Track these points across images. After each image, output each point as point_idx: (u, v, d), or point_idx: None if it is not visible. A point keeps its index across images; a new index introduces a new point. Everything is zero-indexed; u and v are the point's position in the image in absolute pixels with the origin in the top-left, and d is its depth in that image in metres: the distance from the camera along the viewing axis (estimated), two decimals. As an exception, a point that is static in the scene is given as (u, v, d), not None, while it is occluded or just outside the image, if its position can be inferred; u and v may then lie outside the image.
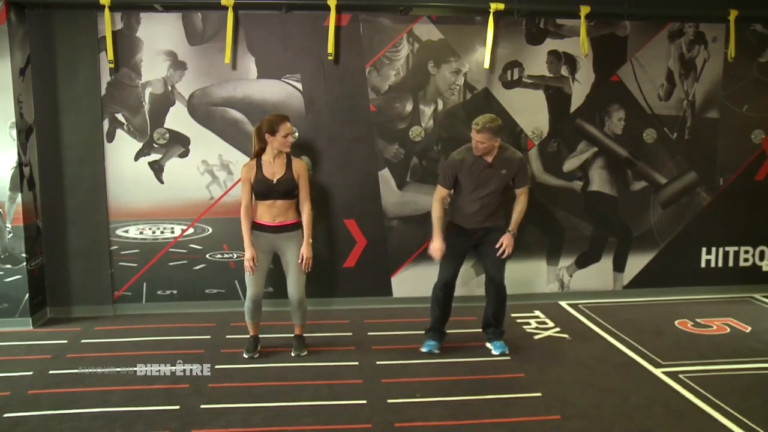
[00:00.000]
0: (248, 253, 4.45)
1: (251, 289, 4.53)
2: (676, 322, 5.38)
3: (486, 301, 4.80)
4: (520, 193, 4.67)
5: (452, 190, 4.65)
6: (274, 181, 4.43)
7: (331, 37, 5.37)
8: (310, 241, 4.56)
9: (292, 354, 4.64)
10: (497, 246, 4.58)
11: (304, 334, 4.75)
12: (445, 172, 4.65)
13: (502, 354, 4.66)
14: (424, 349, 4.67)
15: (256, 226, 4.52)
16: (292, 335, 4.73)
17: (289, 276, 4.56)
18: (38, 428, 3.60)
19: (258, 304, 4.57)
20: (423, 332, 4.81)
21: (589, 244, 6.01)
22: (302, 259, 4.50)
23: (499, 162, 4.53)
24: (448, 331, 4.84)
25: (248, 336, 4.70)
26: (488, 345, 4.77)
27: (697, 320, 5.42)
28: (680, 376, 4.26)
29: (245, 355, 4.61)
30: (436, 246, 4.57)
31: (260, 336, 4.73)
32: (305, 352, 4.67)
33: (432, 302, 4.74)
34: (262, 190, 4.44)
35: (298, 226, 4.56)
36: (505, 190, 4.65)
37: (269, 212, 4.48)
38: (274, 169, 4.46)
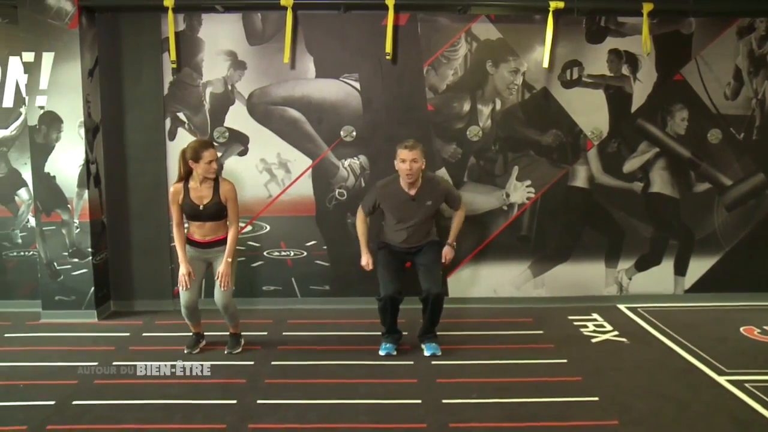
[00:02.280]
0: (183, 269, 4.46)
1: (184, 297, 4.52)
2: (741, 329, 5.21)
3: (423, 310, 4.64)
4: (457, 211, 4.81)
5: (371, 216, 4.75)
6: (201, 207, 4.42)
7: (389, 36, 5.38)
8: (229, 260, 4.51)
9: (225, 351, 4.68)
10: (442, 260, 4.74)
11: (241, 333, 4.83)
12: (369, 198, 4.72)
13: (433, 355, 4.59)
14: (382, 353, 4.62)
15: (189, 242, 4.54)
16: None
17: (216, 285, 4.54)
18: (104, 416, 3.72)
19: (192, 310, 4.58)
20: (479, 333, 4.82)
21: (649, 247, 5.87)
22: (219, 277, 4.49)
23: (422, 194, 4.55)
24: (508, 333, 4.87)
25: (191, 333, 4.76)
26: (422, 346, 4.70)
27: (765, 327, 5.23)
28: (746, 384, 4.12)
29: (185, 351, 4.66)
30: (364, 261, 4.70)
31: (205, 333, 4.83)
32: (238, 350, 4.70)
33: (380, 314, 4.65)
34: (190, 213, 4.45)
35: (227, 240, 4.57)
36: (433, 217, 4.71)
37: (199, 231, 4.50)
38: (201, 194, 4.43)
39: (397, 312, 4.65)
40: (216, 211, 4.44)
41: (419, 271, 4.65)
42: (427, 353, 4.61)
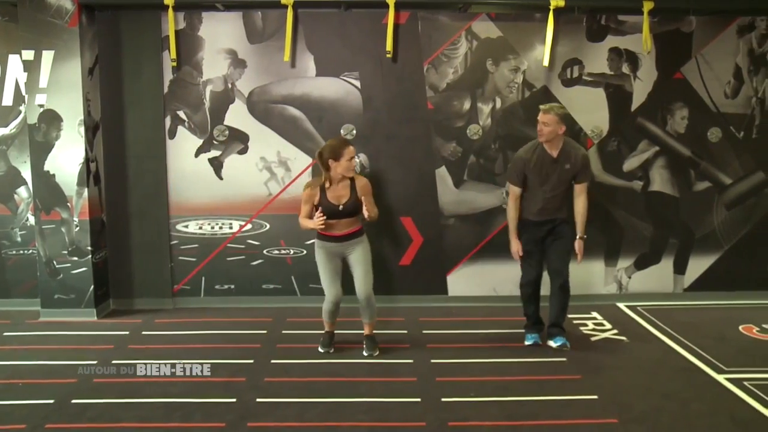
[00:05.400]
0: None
1: (330, 291, 4.54)
2: (740, 327, 5.21)
3: (550, 299, 4.76)
4: (579, 190, 4.67)
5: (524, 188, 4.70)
6: (341, 207, 4.42)
7: (389, 34, 5.38)
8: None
9: (365, 353, 4.63)
10: (576, 254, 4.71)
11: (374, 332, 4.77)
12: (514, 171, 4.69)
13: (563, 345, 4.68)
14: (528, 342, 4.79)
15: (323, 237, 4.53)
16: (362, 333, 4.74)
17: (356, 275, 4.56)
18: (103, 415, 3.72)
19: (337, 305, 4.60)
20: (478, 331, 4.85)
21: (648, 246, 5.87)
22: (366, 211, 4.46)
23: (563, 156, 4.57)
24: (508, 331, 4.93)
25: (324, 331, 4.75)
26: (550, 342, 4.76)
27: (764, 326, 5.23)
28: (745, 383, 4.12)
29: (320, 349, 4.67)
30: (514, 249, 4.74)
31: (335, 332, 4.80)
32: (377, 352, 4.65)
33: (522, 300, 4.85)
34: (328, 213, 4.42)
35: (362, 231, 4.59)
36: (569, 185, 4.67)
37: (335, 228, 4.48)
38: (339, 193, 4.44)
39: (538, 298, 4.83)
40: (354, 210, 4.46)
41: (550, 252, 4.72)
42: (555, 344, 4.72)
